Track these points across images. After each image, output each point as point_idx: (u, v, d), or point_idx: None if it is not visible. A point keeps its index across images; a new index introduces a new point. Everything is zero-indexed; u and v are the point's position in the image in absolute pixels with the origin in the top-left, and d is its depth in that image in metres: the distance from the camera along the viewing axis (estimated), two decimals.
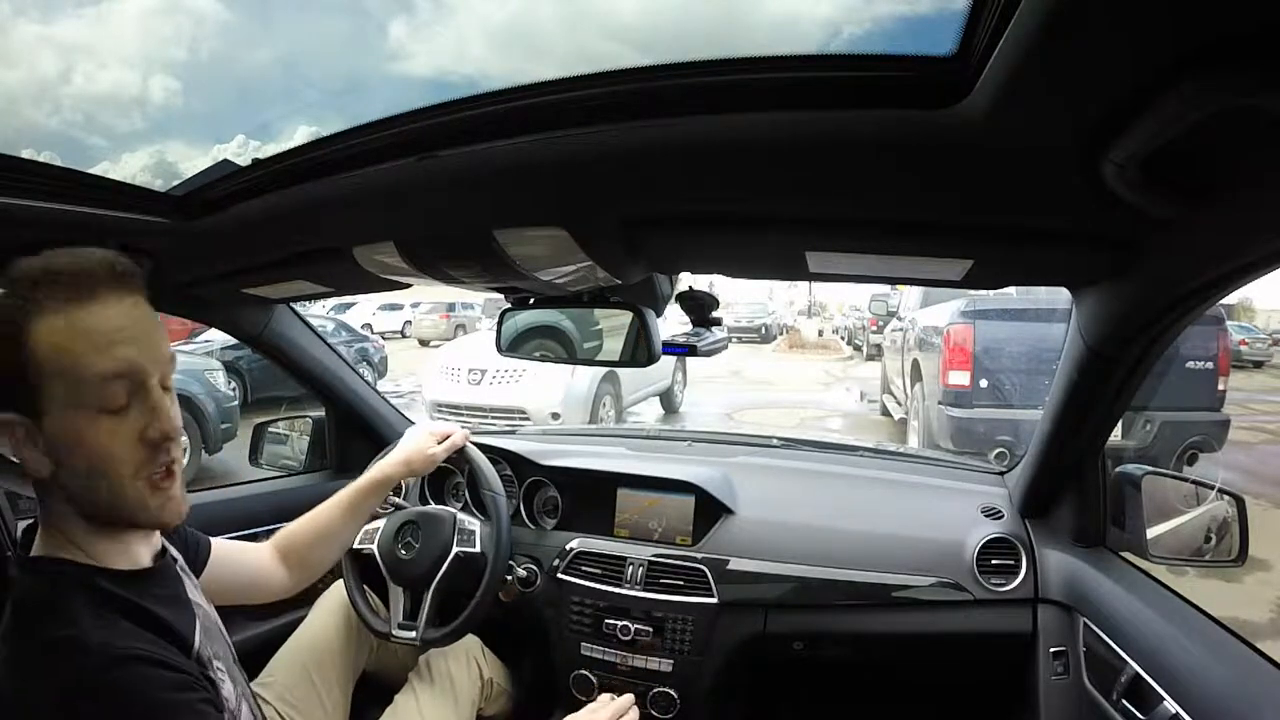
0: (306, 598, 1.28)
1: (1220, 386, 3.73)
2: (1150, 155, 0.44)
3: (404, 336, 15.53)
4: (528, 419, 4.81)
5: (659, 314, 0.99)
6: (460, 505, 1.47)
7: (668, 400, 6.72)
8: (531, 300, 1.05)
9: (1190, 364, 3.67)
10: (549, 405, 4.81)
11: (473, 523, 1.29)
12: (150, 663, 0.58)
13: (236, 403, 4.78)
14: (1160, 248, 0.63)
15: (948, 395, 3.75)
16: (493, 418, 4.88)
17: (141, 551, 0.69)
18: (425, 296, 15.31)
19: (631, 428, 2.03)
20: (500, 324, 1.10)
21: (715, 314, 1.04)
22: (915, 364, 4.76)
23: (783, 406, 6.93)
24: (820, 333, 16.96)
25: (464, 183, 0.67)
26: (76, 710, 0.55)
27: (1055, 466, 1.16)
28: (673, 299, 1.04)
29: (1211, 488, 1.09)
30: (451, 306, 14.87)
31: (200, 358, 4.65)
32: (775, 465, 1.57)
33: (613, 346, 1.03)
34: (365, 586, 1.27)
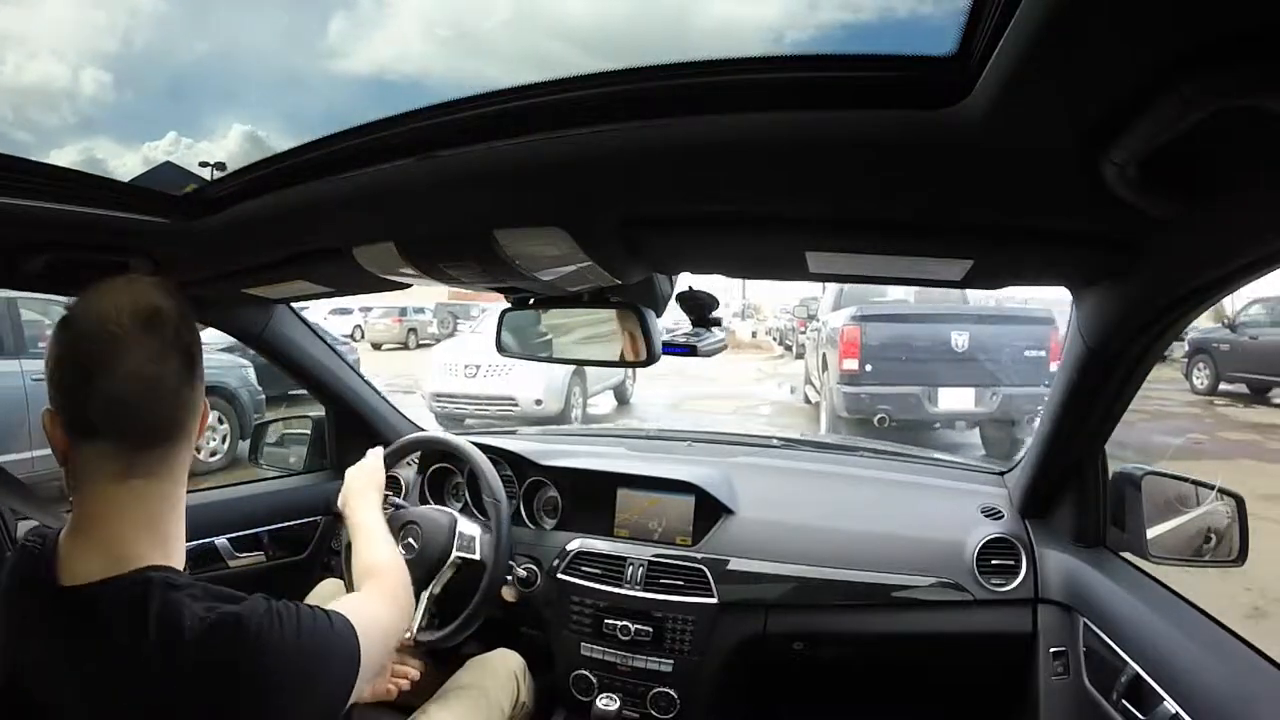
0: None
1: (1054, 368, 4.48)
2: (1150, 155, 0.44)
3: (355, 340, 15.37)
4: (516, 405, 5.74)
5: (659, 314, 0.99)
6: (460, 506, 1.47)
7: (620, 393, 7.66)
8: (531, 300, 1.04)
9: (1028, 352, 4.79)
10: (534, 394, 5.75)
11: (472, 528, 1.29)
12: (269, 600, 0.63)
13: (263, 395, 5.43)
14: (1160, 248, 0.63)
15: (843, 377, 4.96)
16: (486, 404, 5.86)
17: None
18: (377, 301, 15.23)
19: (632, 428, 2.03)
20: (500, 325, 1.10)
21: (714, 314, 1.04)
22: (824, 357, 5.74)
23: (721, 398, 7.78)
24: (754, 334, 17.13)
25: (464, 183, 0.67)
26: (272, 670, 0.59)
27: (1055, 467, 1.16)
28: (672, 299, 1.04)
29: (1211, 488, 1.09)
30: (404, 311, 14.91)
31: (234, 356, 5.23)
32: (775, 465, 1.57)
33: (588, 349, 1.05)
34: None
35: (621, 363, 1.00)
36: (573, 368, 5.62)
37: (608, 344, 1.00)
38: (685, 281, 1.04)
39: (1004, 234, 0.66)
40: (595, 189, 0.67)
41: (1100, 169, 0.48)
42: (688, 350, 0.99)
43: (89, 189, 0.79)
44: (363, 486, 1.12)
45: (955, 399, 4.82)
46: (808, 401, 6.93)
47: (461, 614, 1.22)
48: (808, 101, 0.50)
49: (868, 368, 4.86)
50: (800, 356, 7.63)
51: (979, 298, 5.85)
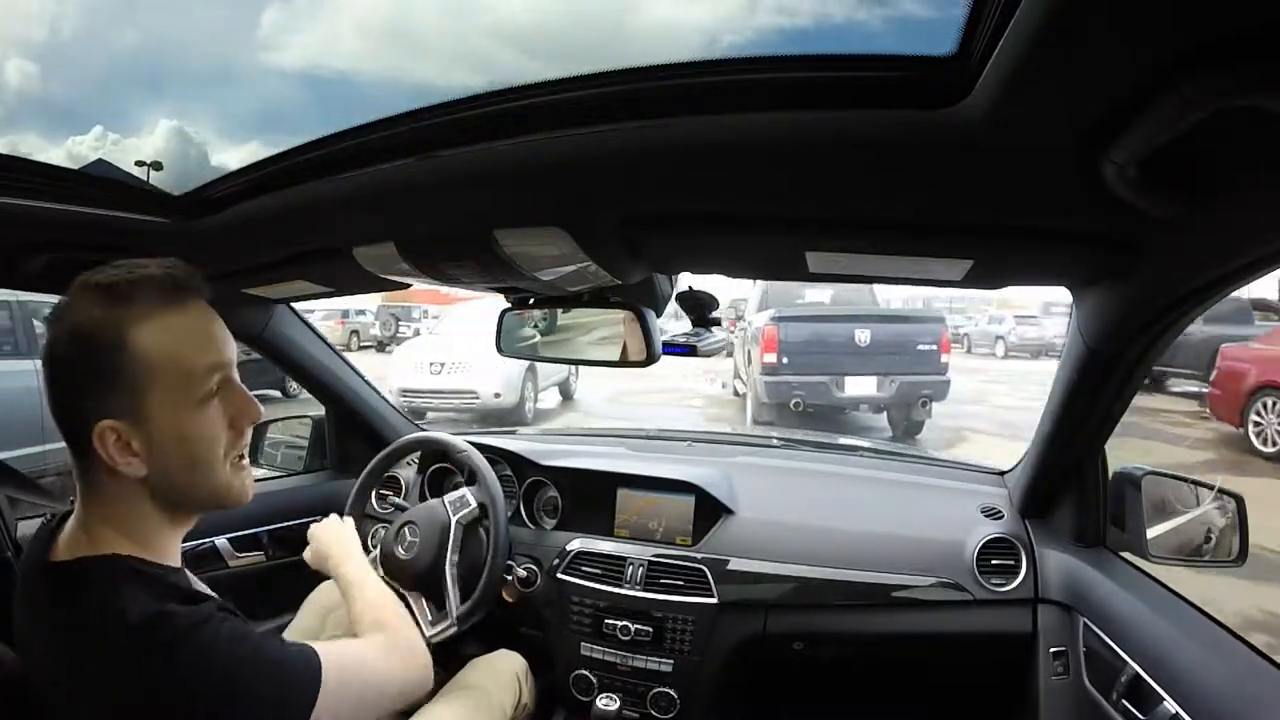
0: (297, 597, 1.28)
1: (944, 359, 5.76)
2: (1150, 155, 0.44)
3: None
4: (477, 397, 6.39)
5: (659, 314, 0.99)
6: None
7: (564, 389, 8.27)
8: (532, 300, 1.04)
9: (920, 346, 5.69)
10: (492, 387, 6.36)
11: (459, 491, 1.30)
12: (227, 613, 0.62)
13: None
14: (1160, 248, 0.63)
15: (764, 369, 5.81)
16: (450, 398, 6.47)
17: (179, 549, 0.70)
18: (320, 304, 15.35)
19: (632, 428, 2.04)
20: (499, 325, 1.09)
21: (715, 314, 1.04)
22: (749, 352, 6.56)
23: (656, 392, 8.42)
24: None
25: (464, 183, 0.67)
26: (195, 674, 0.58)
27: (1055, 466, 1.16)
28: (673, 299, 1.04)
29: (1211, 488, 1.09)
30: (346, 313, 15.22)
31: None
32: (775, 465, 1.57)
33: (587, 349, 1.04)
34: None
35: (621, 363, 1.00)
36: (527, 364, 6.33)
37: (608, 344, 1.00)
38: (685, 281, 1.04)
39: (1004, 234, 0.66)
40: (595, 189, 0.67)
41: (1100, 169, 0.48)
42: (688, 350, 0.99)
43: (89, 189, 0.79)
44: (334, 540, 1.08)
45: (858, 386, 5.66)
46: (737, 394, 7.65)
47: (482, 573, 1.23)
48: (808, 101, 0.50)
49: (785, 360, 5.73)
50: (730, 354, 8.19)
51: (886, 301, 7.13)
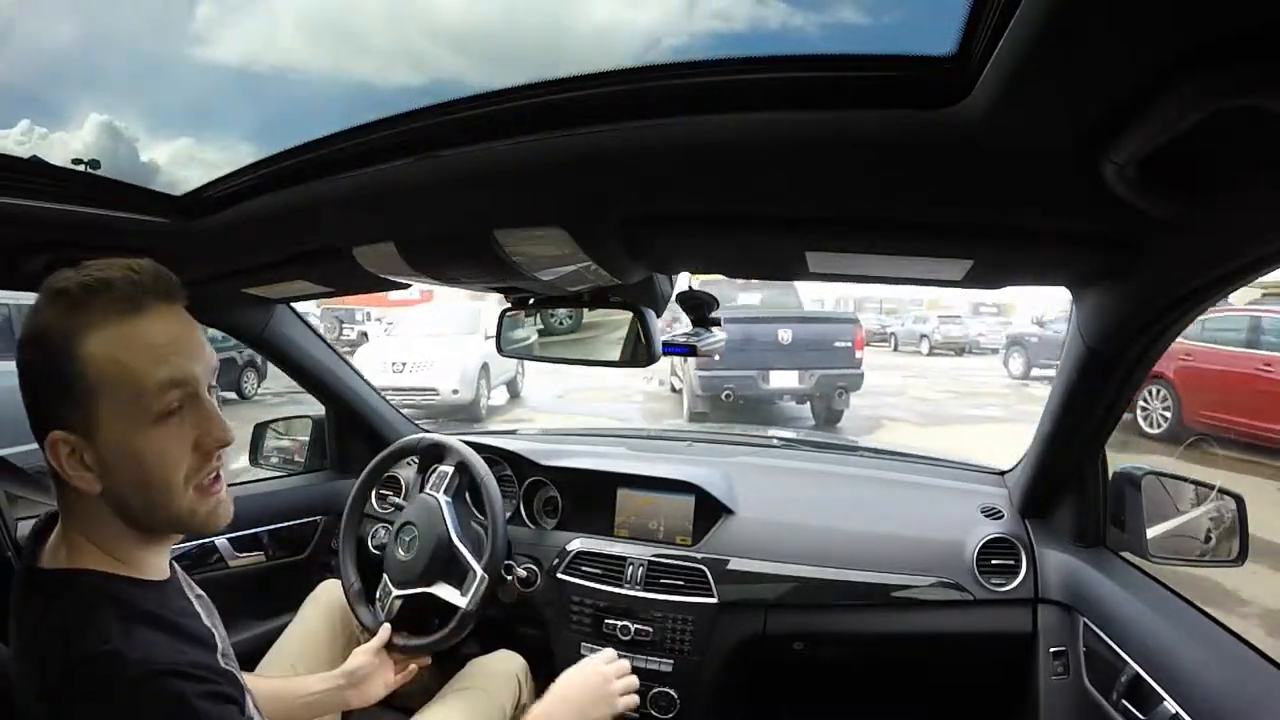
0: (297, 597, 1.28)
1: (858, 355, 6.50)
2: (1150, 155, 0.44)
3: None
4: (438, 394, 6.81)
5: (659, 314, 0.99)
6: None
7: (512, 387, 8.83)
8: (531, 300, 1.04)
9: (837, 343, 6.41)
10: (450, 385, 6.82)
11: (436, 472, 1.30)
12: (182, 675, 0.57)
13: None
14: (1160, 248, 0.63)
15: (699, 365, 6.28)
16: (412, 394, 6.75)
17: (165, 561, 0.67)
18: None
19: (632, 428, 2.04)
20: (499, 325, 1.09)
21: (714, 314, 1.04)
22: None
23: (599, 389, 8.94)
24: None
25: (464, 183, 0.67)
26: None
27: (1055, 467, 1.16)
28: (673, 299, 1.04)
29: (1211, 488, 1.09)
30: None
31: None
32: (775, 465, 1.58)
33: (587, 349, 1.04)
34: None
35: (621, 362, 0.99)
36: (482, 363, 6.99)
37: (609, 345, 1.00)
38: (685, 281, 1.04)
39: (1004, 234, 0.66)
40: (595, 189, 0.67)
41: (1100, 169, 0.48)
42: (688, 350, 0.99)
43: (89, 189, 0.79)
44: (597, 699, 1.02)
45: (782, 379, 6.37)
46: (673, 390, 8.32)
47: (489, 525, 1.23)
48: (808, 101, 0.50)
49: (716, 357, 5.80)
50: None
51: (819, 302, 7.78)
